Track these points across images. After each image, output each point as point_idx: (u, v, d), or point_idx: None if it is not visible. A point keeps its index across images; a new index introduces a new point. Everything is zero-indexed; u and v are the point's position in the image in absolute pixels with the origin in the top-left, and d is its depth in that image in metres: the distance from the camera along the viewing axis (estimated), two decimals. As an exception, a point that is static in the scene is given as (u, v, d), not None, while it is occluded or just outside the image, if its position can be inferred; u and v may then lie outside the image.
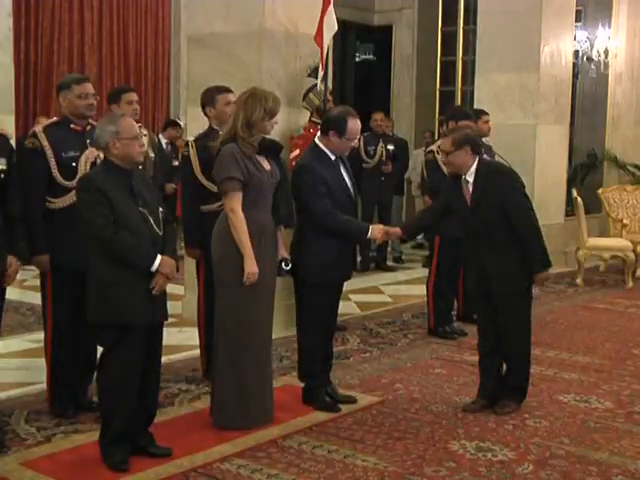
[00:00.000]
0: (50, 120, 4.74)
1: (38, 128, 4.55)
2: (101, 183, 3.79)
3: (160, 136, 9.81)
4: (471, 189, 4.69)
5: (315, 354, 4.79)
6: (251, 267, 4.29)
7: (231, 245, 4.34)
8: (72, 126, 4.54)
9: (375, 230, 4.77)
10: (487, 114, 7.10)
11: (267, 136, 4.50)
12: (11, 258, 4.19)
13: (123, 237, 3.77)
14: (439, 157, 6.51)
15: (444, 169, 6.49)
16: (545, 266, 4.74)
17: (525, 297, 4.84)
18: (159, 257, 3.85)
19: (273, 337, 4.65)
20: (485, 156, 5.52)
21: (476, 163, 4.69)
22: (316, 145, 4.73)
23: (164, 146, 9.56)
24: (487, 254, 4.72)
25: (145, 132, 5.45)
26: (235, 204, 4.32)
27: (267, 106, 4.37)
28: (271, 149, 4.51)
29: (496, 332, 4.85)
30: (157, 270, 3.85)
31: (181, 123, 10.97)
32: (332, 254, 4.64)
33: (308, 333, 4.78)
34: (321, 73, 6.60)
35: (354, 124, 4.65)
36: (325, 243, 4.63)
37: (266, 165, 4.44)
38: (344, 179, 4.73)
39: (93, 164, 4.46)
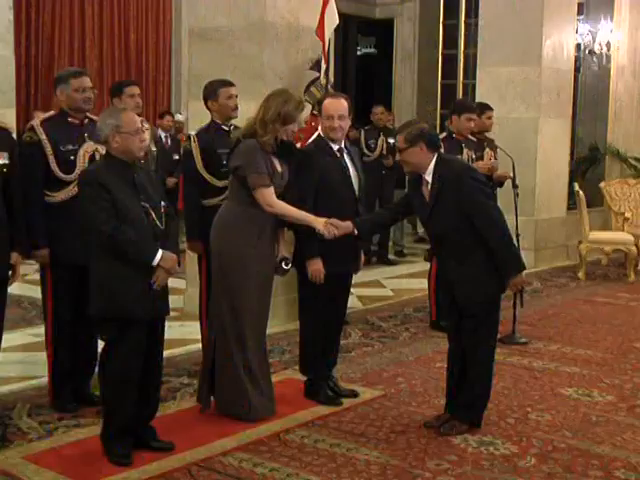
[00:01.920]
0: (47, 114, 4.72)
1: (36, 122, 4.54)
2: (103, 177, 3.79)
3: (159, 129, 9.82)
4: (429, 190, 4.31)
5: (316, 347, 4.78)
6: (317, 223, 4.38)
7: (230, 238, 4.35)
8: (70, 120, 4.52)
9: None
10: (491, 110, 7.07)
11: (287, 140, 4.51)
12: (16, 257, 4.20)
13: (124, 231, 3.76)
14: (441, 151, 6.49)
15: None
16: (518, 269, 4.30)
17: (492, 311, 4.37)
18: (160, 251, 3.84)
19: (274, 331, 4.66)
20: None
21: (434, 161, 4.29)
22: (319, 135, 4.76)
23: (163, 139, 9.56)
24: (449, 261, 4.35)
25: (147, 126, 5.44)
26: (269, 199, 4.35)
27: (283, 109, 4.35)
28: (284, 152, 4.49)
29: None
30: (158, 264, 3.84)
31: (182, 117, 10.98)
32: (328, 243, 4.61)
33: (308, 326, 4.78)
34: (323, 66, 6.59)
35: (329, 102, 4.68)
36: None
37: (278, 167, 4.43)
38: (347, 171, 4.71)
39: (91, 158, 4.45)
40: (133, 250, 3.80)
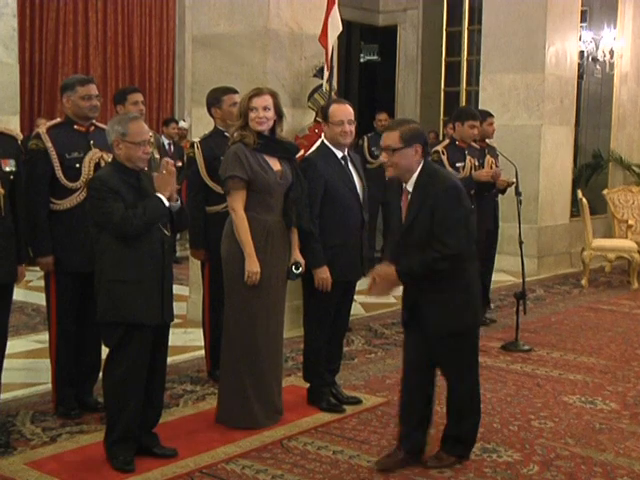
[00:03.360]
0: (53, 121, 4.74)
1: (42, 129, 4.55)
2: (111, 183, 3.79)
3: (163, 137, 9.84)
4: (408, 203, 3.84)
5: (319, 354, 4.78)
6: (251, 266, 4.30)
7: (238, 246, 4.35)
8: (76, 127, 4.54)
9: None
10: (492, 116, 7.09)
11: (283, 139, 4.52)
12: (21, 268, 4.23)
13: (132, 211, 3.77)
14: (444, 157, 6.51)
15: (449, 170, 6.49)
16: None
17: (469, 338, 3.99)
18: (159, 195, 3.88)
19: (278, 338, 4.65)
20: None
21: (419, 170, 3.79)
22: (322, 142, 4.76)
23: (166, 146, 9.58)
24: (422, 284, 3.83)
25: (150, 133, 5.45)
26: (235, 203, 4.34)
27: (243, 104, 4.42)
28: (283, 150, 4.50)
29: (426, 365, 4.02)
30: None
31: (185, 124, 10.99)
32: (334, 252, 4.62)
33: (313, 333, 4.78)
34: (326, 73, 6.60)
35: (336, 107, 4.66)
36: (327, 240, 4.61)
37: (275, 166, 4.43)
38: (352, 178, 4.71)
39: (97, 165, 4.46)
40: (156, 216, 3.83)
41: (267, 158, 4.42)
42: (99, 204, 3.82)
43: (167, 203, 3.87)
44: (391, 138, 3.75)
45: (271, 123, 4.43)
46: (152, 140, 5.29)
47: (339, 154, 4.69)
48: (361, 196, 4.73)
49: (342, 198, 4.63)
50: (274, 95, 4.47)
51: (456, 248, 3.75)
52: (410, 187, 3.80)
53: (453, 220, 3.71)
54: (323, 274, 4.57)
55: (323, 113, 4.73)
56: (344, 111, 4.64)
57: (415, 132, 3.77)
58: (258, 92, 4.43)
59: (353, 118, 4.67)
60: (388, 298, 8.22)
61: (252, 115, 4.37)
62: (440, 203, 3.69)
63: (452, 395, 4.05)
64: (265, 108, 4.37)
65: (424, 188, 3.76)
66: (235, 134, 4.44)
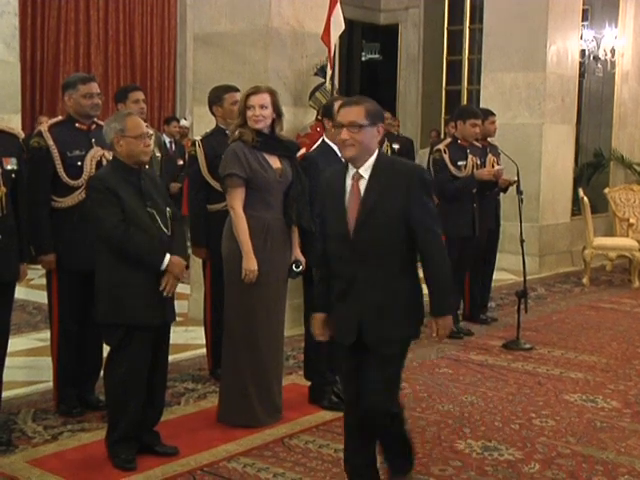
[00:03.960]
0: (55, 119, 4.74)
1: (43, 127, 4.55)
2: (111, 182, 3.80)
3: (164, 135, 9.83)
4: (363, 190, 3.30)
5: (321, 352, 4.78)
6: (248, 264, 4.30)
7: (237, 244, 4.35)
8: (77, 125, 4.54)
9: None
10: (494, 115, 7.08)
11: (283, 137, 4.52)
12: (23, 267, 4.23)
13: (135, 235, 3.77)
14: (446, 156, 6.51)
15: (451, 169, 6.50)
16: (450, 309, 3.44)
17: (405, 351, 3.46)
18: (168, 256, 3.85)
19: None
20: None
21: (376, 154, 3.34)
22: (323, 141, 4.76)
23: (167, 145, 9.58)
24: (367, 288, 3.29)
25: (151, 131, 5.45)
26: (234, 201, 4.35)
27: (242, 103, 4.42)
28: (283, 148, 4.50)
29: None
30: (166, 270, 3.85)
31: (187, 123, 10.99)
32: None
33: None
34: (329, 72, 6.60)
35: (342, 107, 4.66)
36: None
37: (275, 164, 4.44)
38: None
39: (98, 163, 4.47)
40: (142, 253, 3.81)
41: (267, 156, 4.42)
42: (94, 207, 3.83)
43: (163, 267, 3.85)
44: (355, 113, 3.27)
45: (269, 121, 4.43)
46: (153, 138, 5.30)
47: (339, 153, 4.68)
48: None
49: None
50: (272, 93, 4.47)
51: (440, 235, 3.42)
52: (365, 173, 3.30)
53: (434, 209, 3.39)
54: None
55: (328, 111, 4.70)
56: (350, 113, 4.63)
57: (379, 111, 3.37)
58: (256, 90, 4.43)
59: None
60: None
61: (249, 113, 4.38)
62: (416, 191, 3.26)
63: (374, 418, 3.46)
64: (262, 106, 4.37)
65: (384, 173, 3.28)
66: (234, 132, 4.45)
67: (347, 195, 3.32)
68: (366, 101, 3.36)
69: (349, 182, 3.33)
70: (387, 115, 10.04)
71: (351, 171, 3.33)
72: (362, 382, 3.37)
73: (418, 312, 3.39)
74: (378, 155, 3.34)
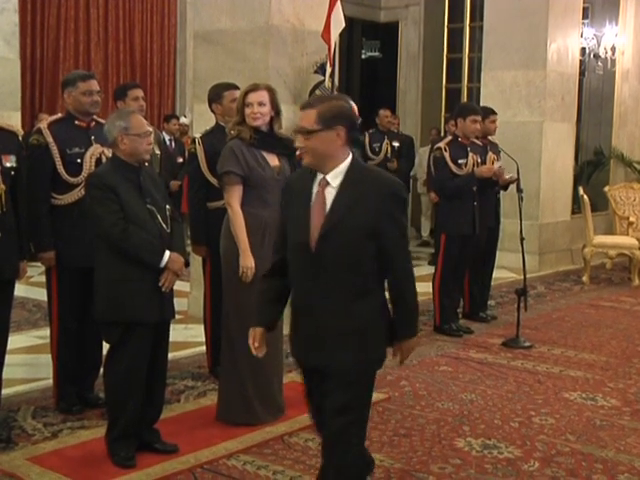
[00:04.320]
0: (54, 117, 4.74)
1: (43, 124, 4.56)
2: (110, 179, 3.80)
3: (164, 133, 9.83)
4: (331, 199, 2.96)
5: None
6: (246, 261, 4.30)
7: (234, 241, 4.36)
8: (77, 122, 4.54)
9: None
10: (495, 114, 7.07)
11: (282, 135, 4.52)
12: (22, 264, 4.23)
13: (133, 233, 3.77)
14: (446, 154, 6.51)
15: (452, 167, 6.50)
16: (417, 331, 3.18)
17: (367, 381, 3.11)
18: (167, 253, 3.86)
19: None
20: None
21: (349, 161, 2.99)
22: None
23: (167, 142, 9.57)
24: (326, 307, 2.97)
25: (150, 129, 5.45)
26: (231, 198, 4.36)
27: (238, 102, 4.43)
28: (281, 146, 4.50)
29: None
30: (166, 267, 3.86)
31: (187, 120, 10.98)
32: None
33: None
34: (328, 69, 6.60)
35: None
36: None
37: (273, 161, 4.44)
38: None
39: (98, 161, 4.47)
40: (141, 252, 3.81)
41: (265, 154, 4.42)
42: (93, 205, 3.84)
43: (162, 264, 3.86)
44: (306, 118, 2.96)
45: (267, 119, 4.43)
46: (152, 136, 5.30)
47: None
48: None
49: None
50: (271, 90, 4.47)
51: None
52: (334, 180, 2.97)
53: (405, 227, 3.06)
54: None
55: None
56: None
57: (337, 111, 2.96)
58: (254, 87, 4.43)
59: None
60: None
61: (247, 111, 4.38)
62: (389, 206, 2.94)
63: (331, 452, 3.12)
64: (260, 103, 4.38)
65: (356, 183, 2.95)
66: (232, 130, 4.45)
67: (312, 202, 2.98)
68: (322, 102, 3.01)
69: (315, 188, 2.99)
70: (387, 113, 10.06)
71: (318, 176, 3.00)
72: (324, 411, 3.09)
73: (381, 336, 3.05)
74: (352, 162, 2.99)
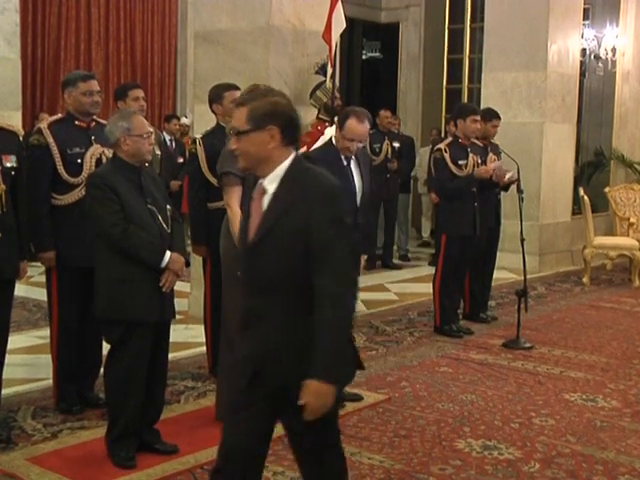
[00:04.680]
0: (54, 117, 4.74)
1: (43, 125, 4.56)
2: (111, 179, 3.81)
3: (164, 133, 9.83)
4: (265, 206, 2.66)
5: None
6: None
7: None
8: (77, 123, 4.54)
9: None
10: (499, 118, 7.03)
11: None
12: (23, 264, 4.23)
13: (134, 233, 3.77)
14: (446, 155, 6.51)
15: (452, 168, 6.50)
16: (335, 377, 2.55)
17: (338, 400, 2.67)
18: (168, 253, 3.86)
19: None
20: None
21: (288, 163, 2.67)
22: (330, 141, 4.78)
23: (168, 142, 9.58)
24: (265, 324, 2.64)
25: (151, 129, 5.45)
26: (230, 199, 4.37)
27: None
28: None
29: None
30: (166, 267, 3.86)
31: (187, 120, 10.99)
32: None
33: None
34: (329, 70, 6.60)
35: (354, 125, 4.61)
36: None
37: None
38: (351, 180, 4.70)
39: (98, 161, 4.47)
40: (142, 252, 3.81)
41: None
42: (93, 205, 3.84)
43: (163, 264, 3.86)
44: (238, 117, 2.69)
45: None
46: (153, 136, 5.30)
47: (343, 155, 4.70)
48: (358, 198, 4.72)
49: None
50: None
51: (354, 277, 2.67)
52: (270, 185, 2.65)
53: (342, 238, 2.60)
54: None
55: (340, 121, 4.67)
56: (360, 131, 4.64)
57: (270, 109, 2.64)
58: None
59: (365, 137, 4.70)
60: (389, 295, 8.24)
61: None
62: (323, 214, 2.57)
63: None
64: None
65: (296, 188, 2.62)
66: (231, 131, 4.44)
67: (250, 210, 2.72)
68: (255, 100, 2.67)
69: (255, 191, 2.72)
70: (387, 114, 10.05)
71: (259, 182, 2.71)
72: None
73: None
74: (292, 164, 2.66)
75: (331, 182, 2.67)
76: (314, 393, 2.50)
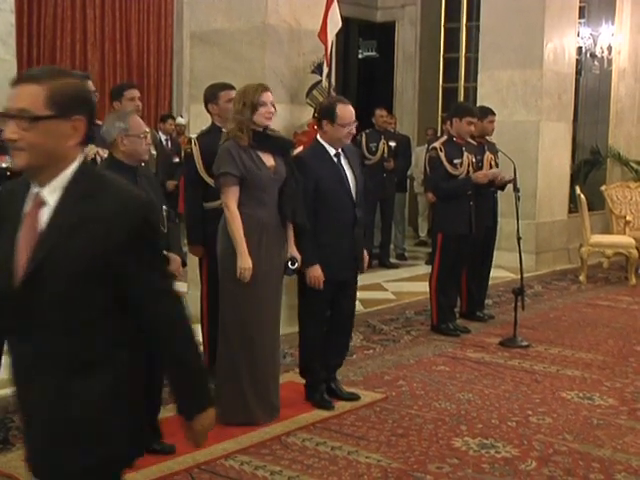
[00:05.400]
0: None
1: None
2: None
3: (160, 133, 9.83)
4: (44, 223, 2.02)
5: (314, 350, 4.78)
6: (243, 262, 4.30)
7: (231, 242, 4.36)
8: None
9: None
10: (494, 114, 7.05)
11: (276, 134, 4.53)
12: None
13: None
14: (442, 154, 6.51)
15: (447, 167, 6.50)
16: (207, 401, 2.30)
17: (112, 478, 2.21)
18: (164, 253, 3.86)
19: (276, 334, 4.64)
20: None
21: (76, 167, 2.09)
22: (316, 140, 4.76)
23: (163, 142, 9.58)
24: (37, 386, 2.14)
25: (147, 129, 5.45)
26: (228, 200, 4.36)
27: (244, 98, 4.41)
28: (277, 146, 4.51)
29: None
30: None
31: (183, 120, 10.99)
32: (326, 251, 4.61)
33: (307, 328, 4.79)
34: (325, 69, 6.59)
35: (344, 109, 4.64)
36: (319, 240, 4.61)
37: (269, 161, 4.44)
38: (344, 175, 4.70)
39: (93, 161, 4.46)
40: None
41: (260, 154, 4.43)
42: None
43: None
44: (28, 97, 1.98)
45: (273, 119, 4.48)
46: (149, 136, 5.30)
47: (332, 151, 4.69)
48: (354, 193, 4.72)
49: (334, 197, 4.63)
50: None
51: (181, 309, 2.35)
52: (51, 195, 2.03)
53: (160, 262, 2.20)
54: (314, 272, 4.58)
55: (328, 113, 4.67)
56: (351, 113, 4.66)
57: (75, 93, 2.05)
58: (266, 87, 4.47)
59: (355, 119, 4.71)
60: (386, 294, 8.25)
61: (263, 110, 4.39)
62: (136, 237, 2.04)
63: None
64: (272, 103, 4.43)
65: (88, 201, 2.03)
66: (230, 133, 4.43)
67: (20, 230, 2.03)
68: (55, 78, 2.02)
69: (27, 208, 2.05)
70: (383, 113, 10.05)
71: (33, 189, 2.06)
72: None
73: (116, 426, 2.11)
74: (80, 169, 2.08)
75: (135, 193, 2.11)
76: (202, 426, 2.23)
